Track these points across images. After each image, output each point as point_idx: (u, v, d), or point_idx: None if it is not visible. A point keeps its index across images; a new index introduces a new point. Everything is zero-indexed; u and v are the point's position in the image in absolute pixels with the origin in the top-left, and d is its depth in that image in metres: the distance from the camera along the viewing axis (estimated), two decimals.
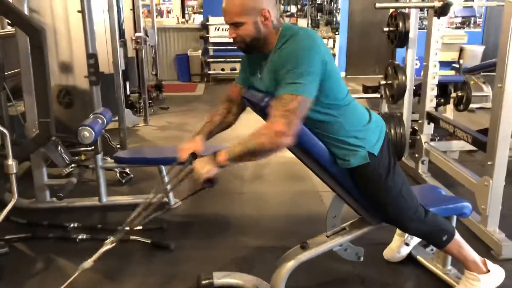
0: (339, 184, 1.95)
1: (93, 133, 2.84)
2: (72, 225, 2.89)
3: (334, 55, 8.62)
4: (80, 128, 2.83)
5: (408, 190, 1.93)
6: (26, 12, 2.89)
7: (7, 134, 1.87)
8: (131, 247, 2.68)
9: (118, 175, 3.69)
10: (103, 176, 3.17)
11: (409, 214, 1.92)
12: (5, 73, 4.70)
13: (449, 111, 4.61)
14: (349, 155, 1.82)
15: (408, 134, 3.78)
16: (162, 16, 13.64)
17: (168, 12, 14.60)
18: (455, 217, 2.21)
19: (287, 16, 14.05)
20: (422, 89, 3.49)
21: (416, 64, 5.45)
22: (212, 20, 8.32)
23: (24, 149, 2.10)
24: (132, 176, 3.76)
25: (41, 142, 2.13)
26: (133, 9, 6.27)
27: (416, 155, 3.59)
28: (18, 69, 4.16)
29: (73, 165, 3.79)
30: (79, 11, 3.73)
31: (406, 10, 3.62)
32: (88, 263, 1.87)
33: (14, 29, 4.47)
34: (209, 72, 8.40)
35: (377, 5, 3.11)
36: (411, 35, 3.61)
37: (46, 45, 2.01)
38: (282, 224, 3.02)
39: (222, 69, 8.42)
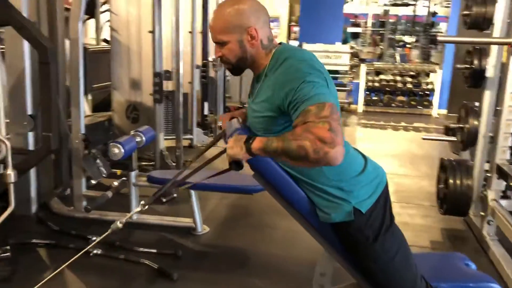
0: (323, 239, 1.69)
1: (123, 150, 2.88)
2: (94, 238, 2.93)
3: (432, 90, 7.99)
4: (111, 144, 2.88)
5: (404, 260, 1.60)
6: (80, 28, 3.06)
7: (7, 143, 1.94)
8: (137, 269, 2.64)
9: None
10: (136, 193, 3.20)
11: None
12: (94, 86, 5.10)
13: None
14: (330, 208, 1.56)
15: (478, 187, 3.26)
16: None
17: (275, 37, 14.88)
18: None
19: (399, 46, 13.50)
20: (494, 138, 3.00)
21: None
22: (306, 46, 8.21)
23: (28, 161, 2.17)
24: (175, 196, 3.75)
25: (42, 154, 2.19)
26: None
27: (482, 213, 3.08)
28: (107, 83, 4.52)
29: (123, 178, 3.90)
30: (150, 32, 3.91)
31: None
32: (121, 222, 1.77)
33: (106, 46, 4.85)
34: None
35: (439, 38, 2.74)
36: (489, 74, 3.13)
37: (54, 62, 2.07)
38: (304, 271, 2.72)
39: None
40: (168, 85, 4.38)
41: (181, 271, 2.62)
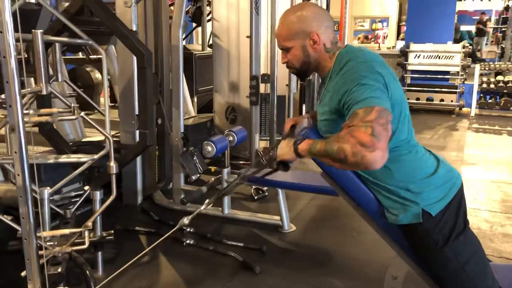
0: (392, 241, 1.66)
1: (215, 148, 3.07)
2: (188, 229, 3.16)
3: None
4: (205, 142, 3.09)
5: (478, 269, 1.52)
6: (180, 35, 3.33)
7: (110, 138, 2.20)
8: (224, 260, 2.79)
9: (252, 190, 3.86)
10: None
11: None
12: (200, 89, 5.46)
13: None
14: (397, 209, 1.55)
15: None
16: (383, 42, 13.64)
17: (385, 37, 14.51)
18: None
19: None
20: None
21: None
22: (413, 46, 7.87)
23: (127, 155, 2.43)
24: (266, 194, 3.88)
25: (139, 149, 2.42)
26: None
27: None
28: (211, 86, 4.83)
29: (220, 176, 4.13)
30: (247, 37, 4.09)
31: None
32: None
33: (210, 51, 5.16)
34: None
35: None
36: None
37: (150, 66, 2.29)
38: (384, 277, 2.69)
39: (417, 99, 7.88)
40: (266, 88, 4.53)
41: (264, 265, 2.72)
